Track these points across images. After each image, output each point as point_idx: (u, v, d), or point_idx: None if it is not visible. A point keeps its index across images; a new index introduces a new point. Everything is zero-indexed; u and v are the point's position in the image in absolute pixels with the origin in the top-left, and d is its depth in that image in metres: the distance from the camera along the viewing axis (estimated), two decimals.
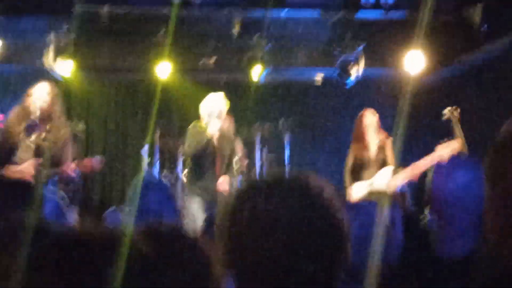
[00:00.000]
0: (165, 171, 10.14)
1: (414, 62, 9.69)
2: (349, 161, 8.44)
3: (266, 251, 1.68)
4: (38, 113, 6.87)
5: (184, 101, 11.40)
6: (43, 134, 6.94)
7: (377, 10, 8.31)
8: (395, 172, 8.11)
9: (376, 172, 8.21)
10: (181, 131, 11.10)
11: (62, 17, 8.86)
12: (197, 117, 10.90)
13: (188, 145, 7.54)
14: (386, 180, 8.06)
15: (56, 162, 6.98)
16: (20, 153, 6.86)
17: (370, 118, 8.36)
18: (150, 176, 9.35)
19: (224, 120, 7.64)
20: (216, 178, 7.47)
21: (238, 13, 9.10)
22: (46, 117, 6.95)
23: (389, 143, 8.29)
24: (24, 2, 7.73)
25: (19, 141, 6.88)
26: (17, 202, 3.06)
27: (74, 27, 9.61)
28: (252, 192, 1.77)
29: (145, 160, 10.08)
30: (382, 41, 10.29)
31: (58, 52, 9.59)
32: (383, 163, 8.26)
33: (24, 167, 6.80)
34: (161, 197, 3.96)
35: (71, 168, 6.98)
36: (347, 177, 8.39)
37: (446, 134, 8.01)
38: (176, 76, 10.38)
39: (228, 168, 7.59)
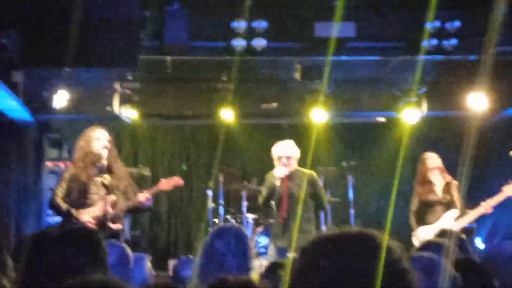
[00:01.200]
0: (229, 215, 10.21)
1: (477, 103, 9.59)
2: (414, 204, 8.35)
3: None
4: (105, 157, 7.23)
5: (247, 145, 11.50)
6: (109, 175, 7.29)
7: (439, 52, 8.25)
8: (461, 214, 8.01)
9: (442, 214, 8.11)
10: (244, 175, 11.20)
11: (127, 67, 9.04)
12: (259, 160, 11.04)
13: (262, 193, 7.72)
14: (452, 222, 7.96)
15: (126, 198, 7.32)
16: (92, 194, 7.19)
17: (433, 160, 8.30)
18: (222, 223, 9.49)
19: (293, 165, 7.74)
20: (280, 222, 7.55)
21: (299, 58, 9.17)
22: (109, 161, 7.30)
23: (454, 185, 8.19)
24: (89, 54, 7.93)
25: (90, 183, 7.21)
26: (85, 258, 3.10)
27: (138, 76, 9.83)
28: (317, 248, 1.76)
29: (210, 204, 10.17)
30: (445, 83, 10.23)
31: (123, 101, 9.80)
32: (449, 206, 8.15)
33: (101, 206, 7.14)
34: (233, 243, 3.96)
35: (145, 196, 7.25)
36: (413, 219, 8.30)
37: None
38: (239, 121, 10.48)
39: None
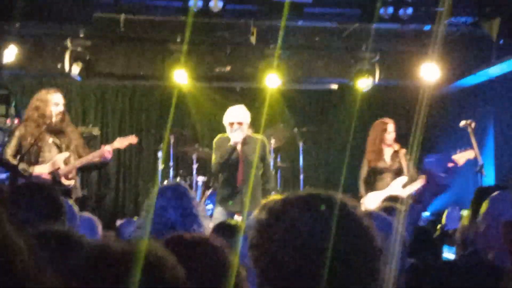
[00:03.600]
0: (179, 177, 10.18)
1: (430, 73, 9.71)
2: (364, 170, 8.45)
3: (302, 268, 1.69)
4: (54, 118, 7.31)
5: (199, 108, 11.45)
6: (60, 135, 7.41)
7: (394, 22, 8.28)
8: (409, 181, 8.14)
9: (390, 181, 8.23)
10: (195, 137, 11.18)
11: (79, 24, 8.88)
12: (211, 123, 11.02)
13: (215, 157, 7.69)
14: (400, 189, 8.09)
15: (78, 157, 7.46)
16: (45, 153, 7.29)
17: (387, 127, 8.40)
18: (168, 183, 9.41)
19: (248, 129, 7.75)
20: (237, 186, 7.58)
21: (256, 22, 9.12)
22: (59, 120, 7.38)
23: (402, 153, 8.31)
24: (41, 9, 7.74)
25: (41, 142, 7.26)
26: (45, 210, 3.07)
27: (91, 34, 9.66)
28: (287, 208, 1.77)
29: (160, 166, 10.13)
30: (398, 52, 10.31)
31: (74, 58, 9.63)
32: (397, 173, 8.28)
33: (54, 161, 7.26)
34: (179, 201, 3.94)
35: (107, 150, 7.39)
36: (362, 186, 8.40)
37: (461, 144, 8.06)
38: (192, 83, 10.41)
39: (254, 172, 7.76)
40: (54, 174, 7.21)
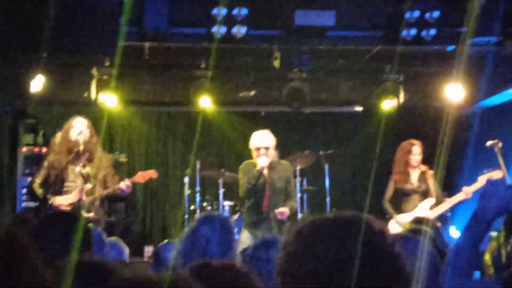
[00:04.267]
0: (206, 202, 10.20)
1: (454, 94, 9.68)
2: (389, 192, 8.42)
3: None
4: (82, 145, 7.32)
5: (225, 132, 11.49)
6: (88, 164, 7.40)
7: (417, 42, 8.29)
8: (437, 202, 8.10)
9: (418, 203, 8.19)
10: (222, 162, 11.20)
11: (105, 52, 8.98)
12: (236, 147, 11.04)
13: (242, 183, 7.73)
14: (428, 210, 8.04)
15: (104, 187, 7.45)
16: (69, 183, 7.32)
17: (413, 148, 8.37)
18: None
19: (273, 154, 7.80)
20: (264, 211, 7.61)
21: (279, 46, 9.16)
22: (87, 148, 7.38)
23: (430, 174, 8.27)
24: (67, 39, 7.85)
25: (67, 171, 7.30)
26: (68, 239, 3.11)
27: (116, 62, 9.76)
28: (315, 233, 1.76)
29: (186, 191, 10.15)
30: (422, 73, 10.30)
31: (101, 86, 9.74)
32: (425, 195, 8.23)
33: (76, 192, 7.26)
34: (225, 235, 3.96)
35: (125, 184, 7.34)
36: (388, 206, 8.36)
37: (488, 165, 8.00)
38: (217, 109, 10.47)
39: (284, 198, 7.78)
40: (75, 205, 7.21)
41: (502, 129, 10.23)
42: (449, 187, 9.41)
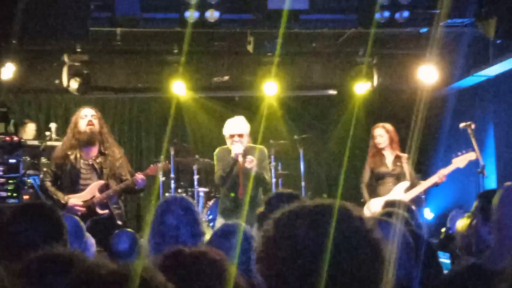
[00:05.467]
0: (180, 189, 10.16)
1: (428, 76, 9.71)
2: (366, 175, 8.44)
3: (308, 280, 1.67)
4: (90, 134, 7.16)
5: (199, 118, 11.44)
6: (100, 156, 7.22)
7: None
8: (412, 186, 8.12)
9: (392, 186, 8.21)
10: (196, 148, 11.16)
11: (77, 39, 8.88)
12: (211, 133, 11.01)
13: (217, 170, 7.70)
14: (403, 193, 8.06)
15: (119, 181, 7.25)
16: (84, 180, 7.14)
17: (374, 131, 8.41)
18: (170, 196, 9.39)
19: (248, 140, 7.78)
20: (239, 198, 7.60)
21: (252, 30, 9.12)
22: (98, 139, 7.21)
23: (404, 157, 8.30)
24: (37, 25, 7.75)
25: (79, 165, 7.13)
26: (46, 231, 3.08)
27: (88, 48, 9.68)
28: (293, 222, 1.76)
29: (161, 178, 10.10)
30: (396, 55, 10.33)
31: (72, 73, 9.64)
32: (399, 178, 8.26)
33: (89, 190, 7.08)
34: (185, 215, 3.92)
35: (140, 177, 7.22)
36: (365, 191, 8.39)
37: (462, 147, 8.05)
38: (190, 94, 10.41)
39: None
40: (89, 203, 7.07)
41: (475, 111, 10.30)
42: (423, 170, 9.46)
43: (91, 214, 7.00)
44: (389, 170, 8.31)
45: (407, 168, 8.26)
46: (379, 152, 8.37)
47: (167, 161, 7.96)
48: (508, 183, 3.00)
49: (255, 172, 7.54)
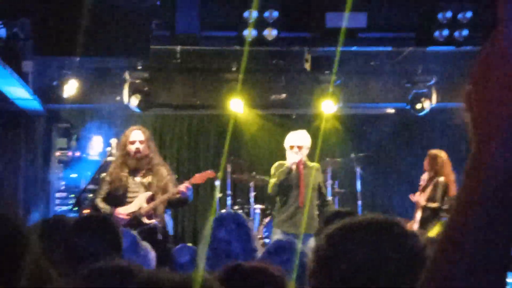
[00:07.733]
0: (237, 206, 10.20)
1: None
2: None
3: None
4: (138, 156, 7.28)
5: (256, 135, 11.49)
6: (148, 173, 7.33)
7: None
8: None
9: None
10: (252, 165, 11.20)
11: (137, 57, 9.03)
12: (267, 150, 11.04)
13: (271, 180, 7.75)
14: None
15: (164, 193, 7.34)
16: (132, 193, 7.26)
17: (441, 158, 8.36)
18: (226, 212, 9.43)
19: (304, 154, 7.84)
20: (300, 207, 7.63)
21: (310, 49, 9.14)
22: (145, 162, 7.32)
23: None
24: (100, 43, 7.90)
25: (128, 183, 7.28)
26: (104, 243, 3.14)
27: (148, 66, 9.83)
28: (346, 237, 1.75)
29: (217, 195, 10.16)
30: (455, 74, 10.21)
31: (133, 90, 9.81)
32: None
33: (136, 201, 7.19)
34: (237, 230, 3.94)
35: (184, 186, 7.25)
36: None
37: None
38: (248, 112, 10.48)
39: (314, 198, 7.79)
40: (136, 214, 7.16)
41: None
42: None
43: (138, 224, 7.08)
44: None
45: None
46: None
47: (212, 170, 8.01)
48: None
49: (313, 182, 7.61)
